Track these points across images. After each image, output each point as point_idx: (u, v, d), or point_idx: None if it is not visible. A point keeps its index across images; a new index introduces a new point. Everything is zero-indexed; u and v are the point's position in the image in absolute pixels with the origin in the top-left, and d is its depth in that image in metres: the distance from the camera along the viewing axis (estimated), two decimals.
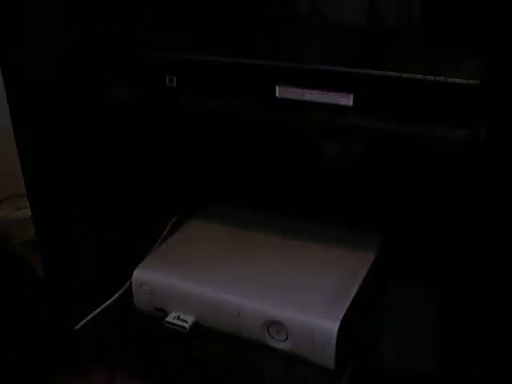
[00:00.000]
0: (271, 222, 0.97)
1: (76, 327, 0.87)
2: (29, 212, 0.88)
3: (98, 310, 0.88)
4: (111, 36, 0.79)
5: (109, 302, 0.89)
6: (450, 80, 0.64)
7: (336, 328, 0.74)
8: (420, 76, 0.65)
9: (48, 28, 0.76)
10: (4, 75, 0.76)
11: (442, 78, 0.64)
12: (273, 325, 0.78)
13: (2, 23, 0.73)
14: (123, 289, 0.90)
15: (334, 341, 0.74)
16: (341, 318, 0.74)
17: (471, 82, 0.63)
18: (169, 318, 0.83)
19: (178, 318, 0.83)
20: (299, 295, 0.79)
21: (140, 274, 0.86)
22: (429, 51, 0.76)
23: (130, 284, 0.87)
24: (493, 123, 0.62)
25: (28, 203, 0.86)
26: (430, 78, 0.64)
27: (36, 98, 0.79)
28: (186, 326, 0.82)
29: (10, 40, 0.74)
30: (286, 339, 0.77)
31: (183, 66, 0.75)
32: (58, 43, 0.77)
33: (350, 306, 0.77)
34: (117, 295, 0.90)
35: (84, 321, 0.87)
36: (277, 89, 0.71)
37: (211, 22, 0.91)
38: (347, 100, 0.68)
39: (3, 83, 0.77)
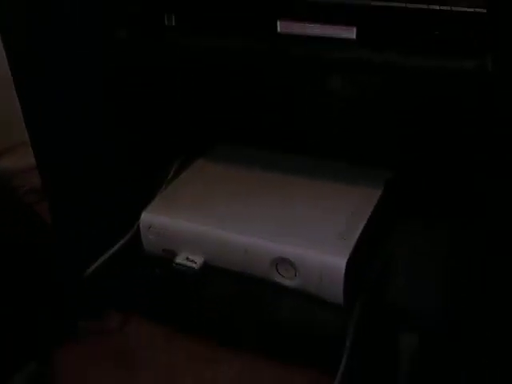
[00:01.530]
0: (278, 159, 0.96)
1: (86, 273, 0.87)
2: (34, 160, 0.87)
3: (107, 255, 0.88)
4: None
5: (117, 246, 0.89)
6: (455, 9, 0.62)
7: (344, 264, 0.74)
8: (424, 5, 0.63)
9: None
10: None
11: (447, 7, 0.62)
12: (281, 262, 0.78)
13: None
14: (131, 232, 0.90)
15: (342, 277, 0.74)
16: (348, 254, 0.75)
17: (477, 10, 0.61)
18: (178, 259, 0.84)
19: (187, 258, 0.84)
20: (306, 232, 0.79)
21: (147, 217, 0.87)
22: None
23: (138, 227, 0.88)
24: (501, 53, 0.60)
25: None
26: (435, 7, 0.62)
27: (33, 41, 0.77)
28: (195, 266, 0.82)
29: None
30: (295, 276, 0.78)
31: (181, 4, 0.73)
32: None
33: (358, 242, 0.77)
34: (125, 239, 0.89)
35: (93, 266, 0.88)
36: (278, 23, 0.69)
37: None
38: (350, 33, 0.66)
39: None
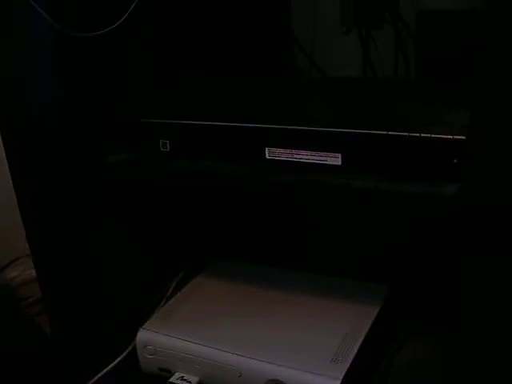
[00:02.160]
0: (277, 275, 0.97)
1: None
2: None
3: (104, 371, 0.88)
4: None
5: (115, 362, 0.89)
6: (434, 136, 0.64)
7: None
8: (405, 133, 0.65)
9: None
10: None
11: (427, 135, 0.64)
12: None
13: None
14: (129, 349, 0.90)
15: None
16: (341, 376, 0.74)
17: (456, 137, 0.63)
18: (173, 379, 0.83)
19: (182, 378, 0.83)
20: (301, 353, 0.78)
21: (144, 335, 0.86)
22: (419, 104, 0.77)
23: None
24: (480, 177, 0.62)
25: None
26: (415, 134, 0.64)
27: (36, 160, 0.81)
28: None
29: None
30: None
31: (175, 131, 0.77)
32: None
33: (352, 363, 0.76)
34: (122, 356, 0.89)
35: (90, 382, 0.87)
36: (266, 150, 0.71)
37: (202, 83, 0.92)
38: (335, 159, 0.68)
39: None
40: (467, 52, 0.80)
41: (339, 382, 0.73)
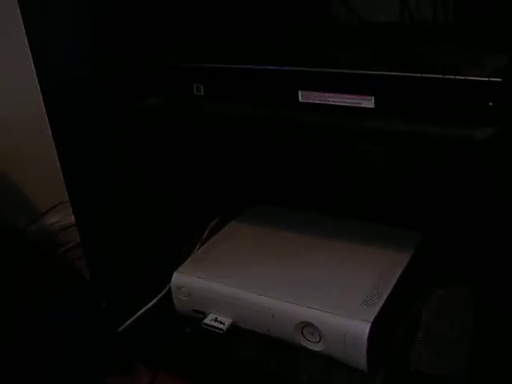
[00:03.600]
0: (309, 221, 0.98)
1: (120, 329, 0.90)
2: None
3: (140, 312, 0.91)
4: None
5: (150, 304, 0.92)
6: (469, 78, 0.62)
7: (367, 330, 0.74)
8: (440, 75, 0.64)
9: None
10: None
11: (461, 77, 0.63)
12: (306, 327, 0.78)
13: None
14: (164, 291, 0.92)
15: (365, 342, 0.74)
16: (372, 319, 0.74)
17: (492, 79, 0.62)
18: (207, 320, 0.85)
19: (216, 319, 0.85)
20: (332, 296, 0.79)
21: (178, 278, 0.89)
22: (456, 48, 0.75)
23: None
24: None
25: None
26: (450, 76, 0.63)
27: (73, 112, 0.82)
28: (223, 327, 0.84)
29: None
30: (320, 341, 0.78)
31: (209, 75, 0.77)
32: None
33: (382, 307, 0.77)
34: (158, 298, 0.92)
35: (127, 322, 0.90)
36: (299, 93, 0.71)
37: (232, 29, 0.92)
38: (368, 102, 0.67)
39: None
40: None
41: (369, 324, 0.74)
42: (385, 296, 0.78)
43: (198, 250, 0.96)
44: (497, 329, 0.71)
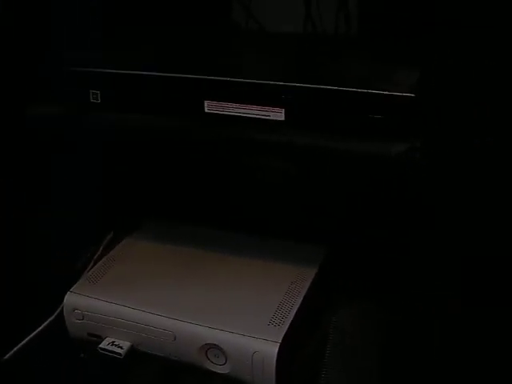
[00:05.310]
0: (211, 237, 0.94)
1: (5, 357, 0.83)
2: None
3: (29, 337, 0.84)
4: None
5: (39, 328, 0.85)
6: (384, 92, 0.61)
7: (276, 350, 0.71)
8: (353, 89, 0.62)
9: None
10: None
11: (376, 91, 0.62)
12: (211, 349, 0.75)
13: None
14: (55, 314, 0.86)
15: (273, 364, 0.71)
16: (280, 339, 0.72)
17: (406, 94, 0.61)
18: (103, 345, 0.79)
19: (113, 343, 0.79)
20: (237, 316, 0.76)
21: (71, 299, 0.82)
22: (365, 62, 0.74)
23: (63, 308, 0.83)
24: (429, 137, 0.60)
25: None
26: (364, 90, 0.62)
27: None
28: (121, 352, 0.78)
29: None
30: (225, 363, 0.74)
31: (106, 81, 0.72)
32: None
33: (290, 326, 0.74)
34: (48, 321, 0.86)
35: (13, 350, 0.83)
36: (205, 103, 0.67)
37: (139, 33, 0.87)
38: (279, 115, 0.65)
39: None
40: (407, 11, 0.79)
41: (278, 345, 0.71)
42: (292, 314, 0.76)
43: (91, 268, 0.90)
44: (403, 343, 0.71)
